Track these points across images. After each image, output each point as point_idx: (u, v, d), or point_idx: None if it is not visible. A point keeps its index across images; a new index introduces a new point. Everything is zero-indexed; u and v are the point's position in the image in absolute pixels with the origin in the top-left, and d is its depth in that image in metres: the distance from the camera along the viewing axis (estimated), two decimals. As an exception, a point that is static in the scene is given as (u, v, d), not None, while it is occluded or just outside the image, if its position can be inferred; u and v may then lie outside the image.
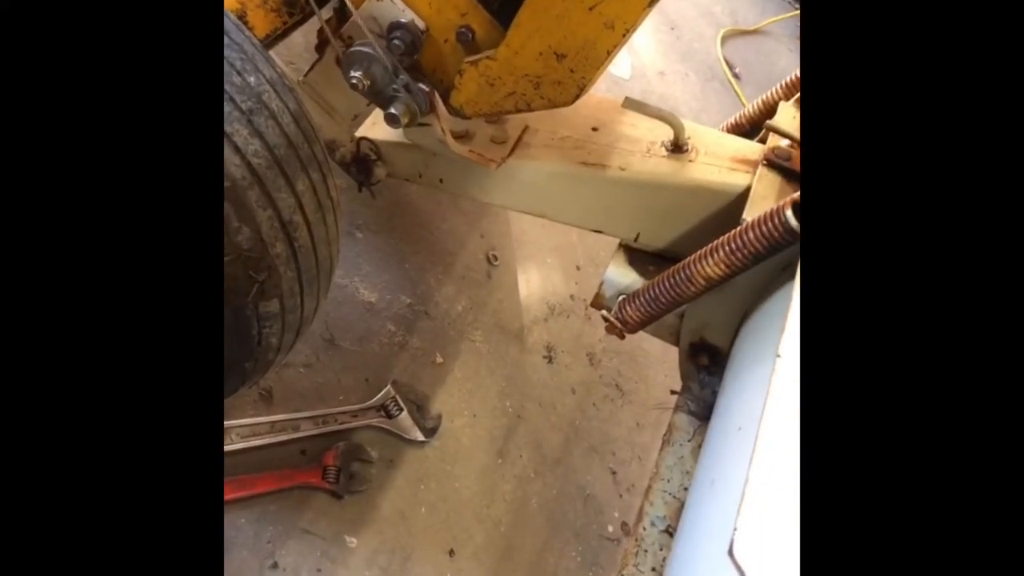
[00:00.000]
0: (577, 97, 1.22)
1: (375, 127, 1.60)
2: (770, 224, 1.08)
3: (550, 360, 2.08)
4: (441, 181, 1.59)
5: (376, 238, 1.97)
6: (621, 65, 3.11)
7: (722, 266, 1.14)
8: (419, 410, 1.72)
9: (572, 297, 2.26)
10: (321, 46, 1.42)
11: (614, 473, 1.98)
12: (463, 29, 1.22)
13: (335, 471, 1.51)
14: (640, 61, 3.27)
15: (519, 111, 1.27)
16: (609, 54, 1.15)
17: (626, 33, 1.11)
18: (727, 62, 3.67)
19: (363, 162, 1.60)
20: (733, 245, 1.13)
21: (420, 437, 1.68)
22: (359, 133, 1.60)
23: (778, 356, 0.86)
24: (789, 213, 1.06)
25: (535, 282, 2.23)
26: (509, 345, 2.02)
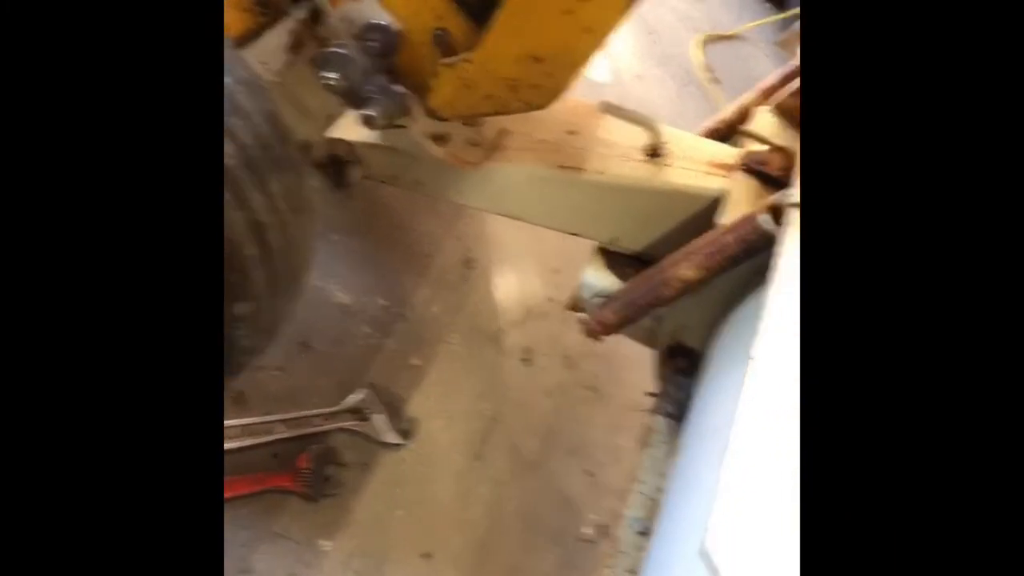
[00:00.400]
0: (554, 100, 1.22)
1: (350, 128, 1.59)
2: (746, 227, 1.09)
3: (527, 362, 2.08)
4: (417, 183, 1.58)
5: (351, 240, 1.96)
6: (598, 69, 3.12)
7: (699, 269, 1.15)
8: (394, 413, 1.71)
9: (549, 299, 2.26)
10: (295, 46, 1.40)
11: (591, 475, 1.98)
12: (439, 31, 1.21)
13: (309, 474, 1.50)
14: (618, 65, 3.29)
15: (496, 113, 1.27)
16: (586, 58, 1.15)
17: (603, 38, 1.11)
18: (705, 67, 3.70)
19: (338, 163, 1.59)
20: (709, 249, 1.13)
21: (395, 440, 1.67)
22: (334, 134, 1.58)
23: (751, 358, 0.86)
24: (765, 218, 1.07)
25: (512, 284, 2.23)
26: (486, 347, 2.02)
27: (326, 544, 1.49)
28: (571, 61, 1.15)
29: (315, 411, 1.61)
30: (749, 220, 1.10)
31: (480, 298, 2.11)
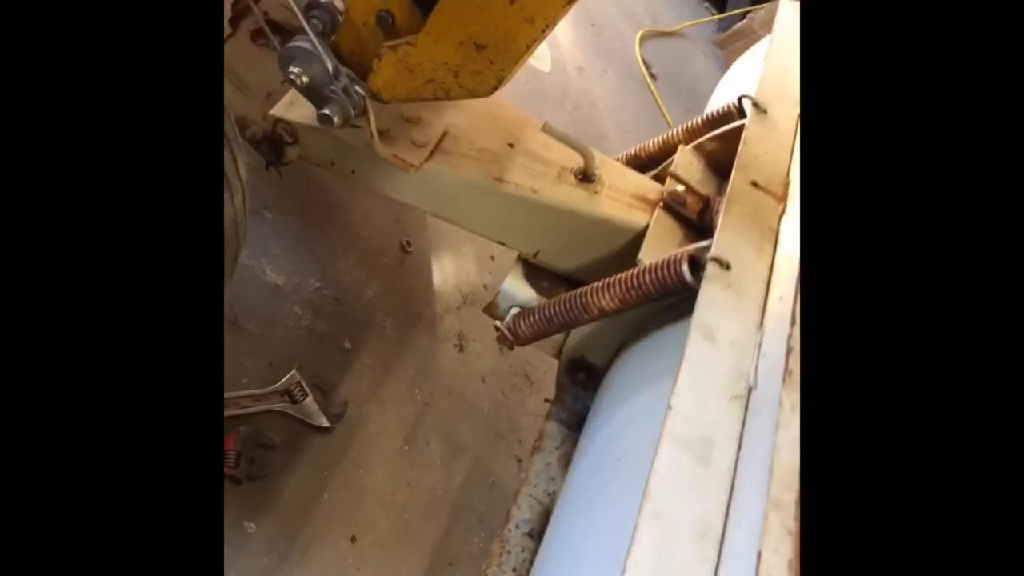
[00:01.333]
0: (496, 88, 1.22)
1: (292, 107, 1.56)
2: (666, 271, 1.12)
3: (461, 348, 2.09)
4: (353, 172, 1.56)
5: (286, 219, 1.93)
6: (542, 58, 3.14)
7: (617, 301, 1.19)
8: (325, 396, 1.70)
9: (485, 287, 2.27)
10: (235, 19, 1.38)
11: (519, 460, 2.01)
12: (383, 13, 1.20)
13: (235, 456, 1.48)
14: (560, 55, 3.31)
15: (437, 98, 1.27)
16: (528, 48, 1.16)
17: (545, 29, 1.12)
18: (644, 62, 3.75)
19: (276, 142, 1.56)
20: (629, 284, 1.17)
21: (325, 423, 1.66)
22: (275, 113, 1.55)
23: (669, 408, 0.89)
24: (686, 267, 1.09)
25: (449, 270, 2.23)
26: (420, 332, 2.02)
27: (251, 526, 1.47)
28: (513, 50, 1.16)
29: (244, 392, 1.59)
30: (669, 266, 1.12)
31: (416, 283, 2.11)
